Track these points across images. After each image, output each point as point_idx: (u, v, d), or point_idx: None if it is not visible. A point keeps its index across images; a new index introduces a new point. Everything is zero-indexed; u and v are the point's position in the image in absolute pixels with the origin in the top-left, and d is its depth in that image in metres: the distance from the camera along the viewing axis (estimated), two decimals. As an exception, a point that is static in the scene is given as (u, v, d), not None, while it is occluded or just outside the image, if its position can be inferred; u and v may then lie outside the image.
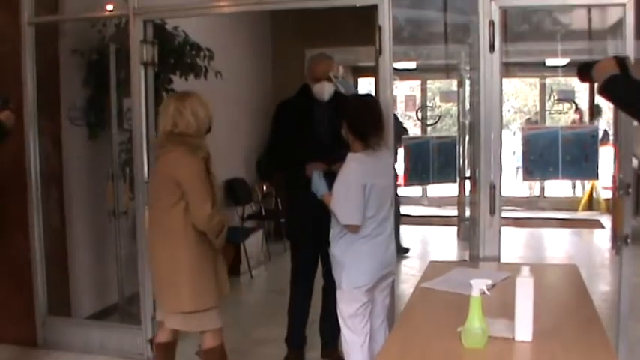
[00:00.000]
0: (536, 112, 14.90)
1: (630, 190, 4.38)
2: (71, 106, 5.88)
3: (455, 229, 10.28)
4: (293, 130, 5.02)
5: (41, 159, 5.60)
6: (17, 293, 5.62)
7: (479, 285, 2.61)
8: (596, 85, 2.99)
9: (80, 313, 5.99)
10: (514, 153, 12.89)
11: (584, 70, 3.21)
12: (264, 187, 9.80)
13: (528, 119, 14.84)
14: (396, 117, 5.96)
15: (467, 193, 8.72)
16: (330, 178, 4.21)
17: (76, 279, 5.99)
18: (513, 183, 12.91)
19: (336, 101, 4.89)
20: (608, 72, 2.89)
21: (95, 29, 5.96)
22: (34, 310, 5.64)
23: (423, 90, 13.87)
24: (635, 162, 6.62)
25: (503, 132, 4.62)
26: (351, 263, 4.05)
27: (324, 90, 4.95)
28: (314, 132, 4.99)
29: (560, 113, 9.35)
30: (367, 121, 4.06)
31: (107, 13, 5.60)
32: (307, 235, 5.03)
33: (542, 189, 13.29)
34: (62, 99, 5.81)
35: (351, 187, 3.98)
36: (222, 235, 4.14)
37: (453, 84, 11.00)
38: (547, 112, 12.82)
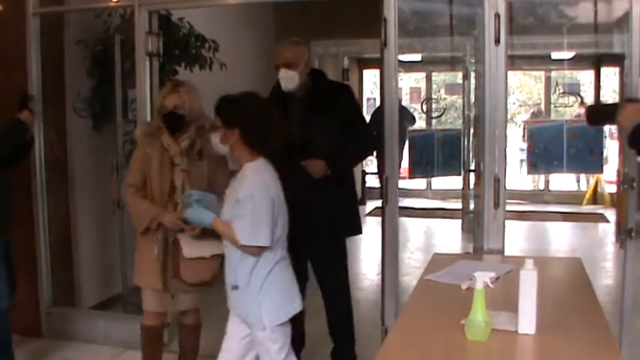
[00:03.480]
0: (537, 104, 14.87)
1: (635, 184, 4.38)
2: (76, 96, 5.88)
3: (459, 221, 10.28)
4: None
5: (46, 150, 5.60)
6: (22, 284, 5.61)
7: (482, 278, 2.61)
8: (623, 134, 2.89)
9: (84, 304, 6.01)
10: (521, 150, 12.89)
11: (598, 115, 3.15)
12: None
13: (533, 113, 14.79)
14: (404, 107, 5.94)
15: (471, 185, 8.73)
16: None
17: (80, 269, 6.00)
18: (518, 176, 12.89)
19: (315, 95, 4.52)
20: (638, 120, 2.74)
21: (100, 20, 5.95)
22: (38, 301, 5.66)
23: (428, 82, 13.85)
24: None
25: (508, 125, 4.61)
26: (273, 294, 3.58)
27: (281, 79, 4.49)
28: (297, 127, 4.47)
29: (566, 107, 9.34)
30: (265, 126, 3.54)
31: (112, 3, 5.61)
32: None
33: (547, 182, 13.29)
34: (67, 90, 5.82)
35: (258, 201, 3.43)
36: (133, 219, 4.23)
37: (458, 76, 11.00)
38: (552, 106, 12.81)
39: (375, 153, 5.39)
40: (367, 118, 5.25)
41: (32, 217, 5.54)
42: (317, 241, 4.53)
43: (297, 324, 4.71)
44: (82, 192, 6.01)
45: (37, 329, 5.66)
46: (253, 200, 3.41)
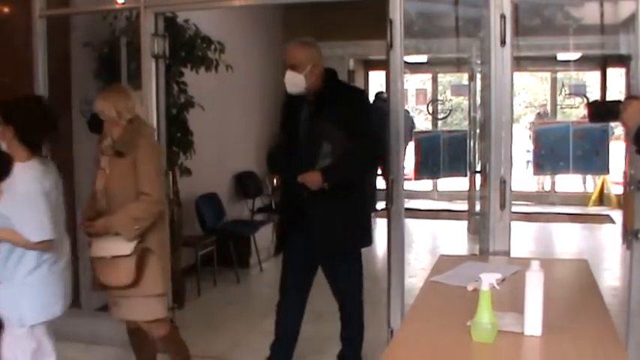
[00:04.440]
0: (543, 105, 14.85)
1: (641, 185, 4.37)
2: (82, 99, 5.89)
3: (465, 223, 10.27)
4: (284, 128, 4.68)
5: (52, 152, 5.61)
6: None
7: (489, 279, 2.61)
8: (629, 133, 2.87)
9: (90, 305, 6.01)
10: (527, 151, 12.88)
11: (601, 111, 3.13)
12: (275, 180, 9.81)
13: (538, 114, 14.77)
14: (406, 112, 5.89)
15: (477, 187, 8.72)
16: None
17: (85, 271, 6.00)
18: (524, 177, 12.88)
19: (324, 100, 4.35)
20: None
21: (106, 22, 5.97)
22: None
23: (434, 84, 13.84)
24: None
25: (514, 126, 4.60)
26: (36, 292, 3.62)
27: (286, 82, 4.41)
28: (296, 133, 4.45)
29: (572, 108, 9.32)
30: (41, 126, 3.67)
31: (118, 5, 5.61)
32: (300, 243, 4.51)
33: (553, 184, 13.27)
34: (73, 92, 5.83)
35: (33, 197, 3.50)
36: None
37: (464, 78, 10.99)
38: (558, 107, 12.79)
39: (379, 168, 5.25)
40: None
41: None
42: (324, 251, 4.49)
43: (292, 324, 4.79)
44: (88, 194, 6.01)
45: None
46: (29, 197, 3.51)
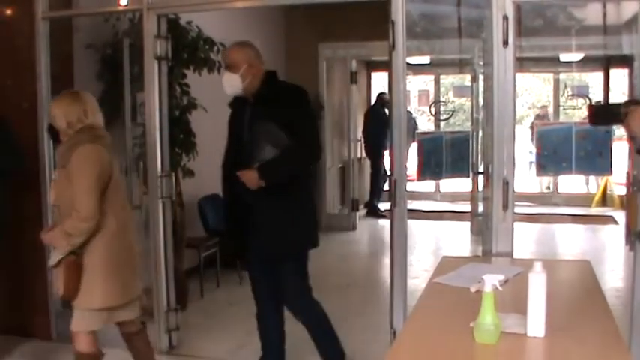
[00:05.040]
0: (544, 106, 14.84)
1: (644, 186, 4.37)
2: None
3: (468, 224, 10.27)
4: (230, 130, 4.65)
5: (55, 153, 5.62)
6: (33, 287, 5.66)
7: (491, 280, 2.61)
8: (635, 141, 2.85)
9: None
10: (530, 152, 12.87)
11: (601, 115, 3.10)
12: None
13: (537, 115, 14.75)
14: (409, 113, 5.85)
15: (480, 188, 8.72)
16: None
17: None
18: (526, 178, 12.88)
19: (261, 100, 4.35)
20: None
21: (109, 24, 5.97)
22: (48, 304, 5.67)
23: (437, 85, 13.85)
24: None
25: (517, 127, 4.60)
26: None
27: (222, 82, 4.41)
28: (239, 136, 4.46)
29: (574, 109, 9.30)
30: None
31: (121, 7, 5.62)
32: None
33: (556, 185, 13.27)
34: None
35: None
36: None
37: (467, 79, 10.99)
38: (561, 108, 12.79)
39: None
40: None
41: (42, 220, 5.55)
42: (270, 254, 4.48)
43: (273, 331, 4.79)
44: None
45: (48, 332, 5.69)
46: None
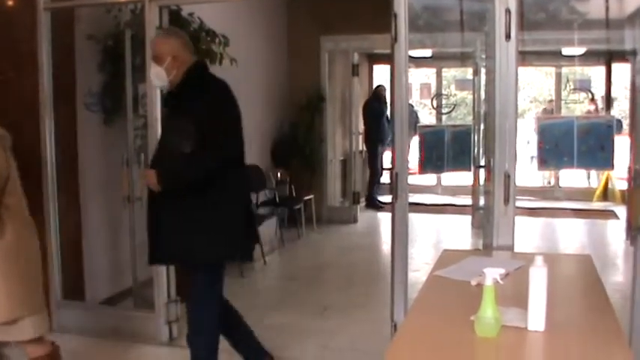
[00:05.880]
0: (551, 101, 14.84)
1: (646, 181, 4.37)
2: (87, 92, 5.89)
3: (469, 217, 10.27)
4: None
5: (56, 145, 5.62)
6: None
7: (492, 274, 2.60)
8: None
9: (94, 298, 6.02)
10: (528, 142, 12.88)
11: None
12: (279, 174, 9.83)
13: (545, 109, 14.75)
14: (410, 106, 5.82)
15: (481, 181, 8.72)
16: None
17: (90, 264, 6.02)
18: (528, 172, 12.87)
19: (178, 95, 4.15)
20: None
21: (110, 15, 5.96)
22: (48, 295, 5.67)
23: (439, 78, 13.83)
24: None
25: (519, 121, 4.59)
26: None
27: (150, 75, 4.27)
28: (162, 129, 4.35)
29: (576, 103, 9.29)
30: None
31: (122, -2, 5.61)
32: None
33: (557, 179, 13.26)
34: (77, 85, 5.83)
35: None
36: None
37: (469, 72, 10.97)
38: (563, 102, 12.77)
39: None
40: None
41: (43, 211, 5.56)
42: (169, 257, 4.36)
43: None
44: (92, 186, 6.03)
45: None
46: None
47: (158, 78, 4.15)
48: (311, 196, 10.02)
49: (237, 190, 4.19)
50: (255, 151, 9.31)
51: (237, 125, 4.15)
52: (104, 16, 5.96)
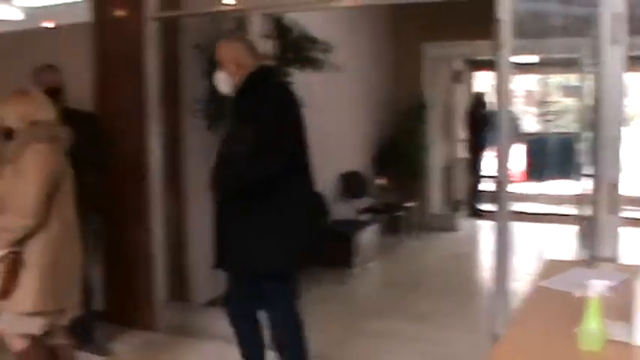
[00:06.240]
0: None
1: None
2: (192, 99, 6.02)
3: (573, 227, 10.01)
4: None
5: (162, 151, 5.76)
6: (139, 280, 5.82)
7: (597, 286, 2.54)
8: None
9: (198, 300, 6.13)
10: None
11: None
12: (380, 181, 9.81)
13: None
14: (512, 113, 5.70)
15: (586, 190, 8.51)
16: None
17: (195, 266, 6.13)
18: (636, 182, 12.47)
19: (249, 96, 4.09)
20: None
21: (215, 24, 6.07)
22: (154, 297, 5.82)
23: (544, 85, 13.56)
24: None
25: (627, 128, 4.46)
26: None
27: (215, 81, 4.28)
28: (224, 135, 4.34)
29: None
30: None
31: (226, 8, 5.70)
32: None
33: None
34: (183, 92, 5.96)
35: None
36: None
37: (575, 78, 10.73)
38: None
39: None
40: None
41: (148, 215, 5.70)
42: (230, 267, 4.32)
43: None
44: (196, 190, 6.14)
45: (153, 324, 5.84)
46: None
47: (222, 83, 4.19)
48: (412, 204, 9.96)
49: (299, 197, 4.14)
50: (356, 158, 9.34)
51: (295, 130, 4.12)
52: (209, 25, 6.07)
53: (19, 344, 3.99)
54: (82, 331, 5.33)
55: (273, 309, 4.32)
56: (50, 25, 7.08)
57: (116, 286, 5.92)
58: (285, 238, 4.05)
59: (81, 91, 5.75)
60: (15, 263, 3.82)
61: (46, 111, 4.00)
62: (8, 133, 3.98)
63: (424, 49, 10.34)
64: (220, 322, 5.59)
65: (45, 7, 7.46)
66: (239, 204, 4.05)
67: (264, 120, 3.92)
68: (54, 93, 5.04)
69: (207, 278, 6.27)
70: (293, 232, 4.07)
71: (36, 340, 4.01)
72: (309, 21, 6.61)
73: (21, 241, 3.81)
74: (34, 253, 3.84)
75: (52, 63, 5.32)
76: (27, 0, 7.53)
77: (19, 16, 7.52)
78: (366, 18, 9.58)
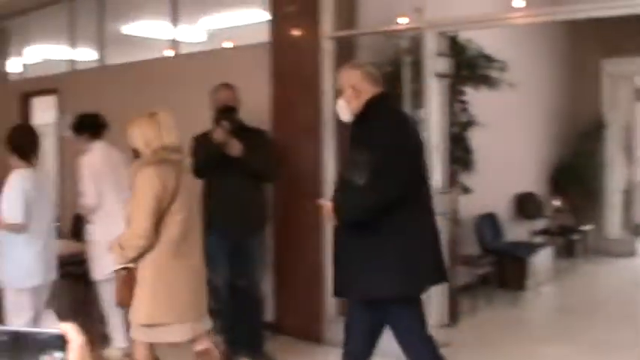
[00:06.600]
0: None
1: None
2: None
3: None
4: None
5: (336, 168, 5.83)
6: (309, 294, 5.90)
7: None
8: None
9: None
10: None
11: None
12: (558, 202, 9.53)
13: None
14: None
15: None
16: None
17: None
18: None
19: (367, 121, 4.03)
20: None
21: (390, 42, 6.11)
22: (323, 311, 5.88)
23: None
24: None
25: None
26: (17, 264, 4.83)
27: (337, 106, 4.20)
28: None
29: None
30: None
31: (401, 26, 5.73)
32: None
33: None
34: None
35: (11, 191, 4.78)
36: None
37: None
38: None
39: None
40: None
41: (321, 229, 5.77)
42: (339, 292, 4.24)
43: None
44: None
45: (319, 336, 5.92)
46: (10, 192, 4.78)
47: (341, 110, 4.12)
48: (588, 227, 9.60)
49: (412, 223, 4.00)
50: (531, 178, 9.13)
51: (411, 157, 4.03)
52: (383, 43, 6.12)
53: (138, 353, 4.23)
54: (251, 342, 5.51)
55: (398, 335, 4.20)
56: (230, 45, 7.34)
57: (286, 299, 6.03)
58: (405, 262, 3.94)
59: (259, 109, 5.92)
60: (128, 278, 4.08)
61: (167, 135, 4.16)
62: (135, 152, 4.26)
63: (603, 66, 9.98)
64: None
65: (226, 29, 7.75)
66: (352, 230, 4.00)
67: (379, 146, 3.86)
68: (229, 110, 5.27)
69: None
70: (405, 260, 3.94)
71: (150, 350, 4.22)
72: (484, 39, 6.54)
73: (135, 259, 4.05)
74: (146, 271, 4.05)
75: (228, 82, 5.52)
76: (209, 22, 7.84)
77: (202, 37, 7.84)
78: (542, 34, 9.34)
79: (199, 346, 4.30)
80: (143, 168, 4.04)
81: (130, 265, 4.07)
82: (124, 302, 4.16)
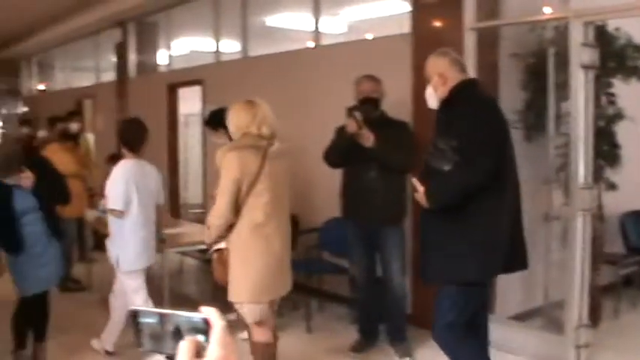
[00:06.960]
0: None
1: None
2: (509, 109, 5.95)
3: None
4: None
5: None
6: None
7: None
8: None
9: (504, 312, 6.04)
10: None
11: None
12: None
13: None
14: None
15: None
16: None
17: (504, 278, 6.04)
18: None
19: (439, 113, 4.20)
20: None
21: (534, 33, 5.96)
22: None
23: None
24: None
25: None
26: (129, 247, 5.24)
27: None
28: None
29: None
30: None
31: (546, 16, 5.58)
32: None
33: None
34: (501, 102, 5.91)
35: (115, 180, 5.22)
36: None
37: None
38: None
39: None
40: None
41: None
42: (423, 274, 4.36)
43: None
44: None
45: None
46: (114, 180, 5.24)
47: (429, 98, 4.20)
48: None
49: (492, 208, 4.01)
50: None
51: (496, 144, 4.00)
52: (527, 34, 5.98)
53: (254, 333, 4.45)
54: (395, 332, 5.53)
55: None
56: (371, 36, 7.36)
57: (422, 292, 5.99)
58: (474, 251, 3.98)
59: (401, 101, 5.91)
60: (219, 258, 4.43)
61: (260, 125, 4.30)
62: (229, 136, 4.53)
63: None
64: (524, 338, 5.49)
65: (367, 20, 7.78)
66: (437, 215, 4.05)
67: (464, 134, 3.92)
68: (368, 102, 5.29)
69: (515, 292, 6.18)
70: (484, 246, 3.99)
71: (268, 333, 4.47)
72: (634, 28, 6.25)
73: (219, 238, 4.35)
74: (231, 251, 4.32)
75: (371, 74, 5.52)
76: (350, 13, 7.88)
77: (343, 29, 7.89)
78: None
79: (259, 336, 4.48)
80: (227, 152, 4.24)
81: (222, 245, 4.38)
82: (221, 280, 4.44)
